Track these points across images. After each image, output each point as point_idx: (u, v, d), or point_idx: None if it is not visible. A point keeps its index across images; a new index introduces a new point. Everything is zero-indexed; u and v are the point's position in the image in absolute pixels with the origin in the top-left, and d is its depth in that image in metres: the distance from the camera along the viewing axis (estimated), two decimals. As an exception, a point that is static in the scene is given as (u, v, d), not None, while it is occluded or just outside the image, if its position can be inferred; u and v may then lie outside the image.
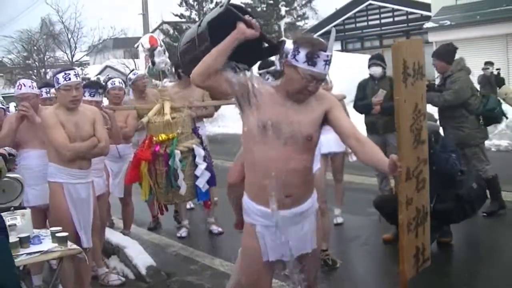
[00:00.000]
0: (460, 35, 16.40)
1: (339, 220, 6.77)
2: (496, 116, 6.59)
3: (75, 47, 36.65)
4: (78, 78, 4.72)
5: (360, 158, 3.09)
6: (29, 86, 5.14)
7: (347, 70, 17.80)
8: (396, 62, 3.15)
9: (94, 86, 5.74)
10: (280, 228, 3.07)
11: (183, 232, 6.89)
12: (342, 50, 24.36)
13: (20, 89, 5.11)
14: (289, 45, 3.27)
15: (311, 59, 2.92)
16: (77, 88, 4.67)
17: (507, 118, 6.94)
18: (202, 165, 5.94)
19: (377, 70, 6.98)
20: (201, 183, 5.93)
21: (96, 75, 26.35)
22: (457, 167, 5.51)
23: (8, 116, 5.51)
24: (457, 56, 6.65)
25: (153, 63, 8.31)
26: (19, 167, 5.10)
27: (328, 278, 5.11)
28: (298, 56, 2.95)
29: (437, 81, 7.10)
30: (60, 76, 4.60)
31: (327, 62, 2.95)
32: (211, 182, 6.04)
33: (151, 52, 8.36)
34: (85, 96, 5.35)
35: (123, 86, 6.78)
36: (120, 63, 34.81)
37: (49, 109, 4.79)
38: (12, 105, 9.20)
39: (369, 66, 7.09)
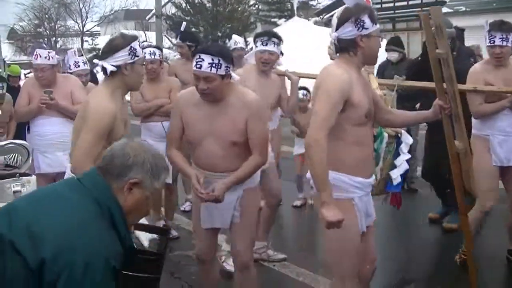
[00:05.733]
0: (475, 21, 16.12)
1: None
2: None
3: (86, 17, 36.72)
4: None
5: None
6: (45, 57, 4.97)
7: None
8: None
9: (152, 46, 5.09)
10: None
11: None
12: (354, 32, 24.09)
13: (36, 59, 4.99)
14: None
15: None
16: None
17: None
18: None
19: (393, 55, 7.02)
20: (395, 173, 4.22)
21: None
22: None
23: (25, 83, 5.48)
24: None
25: None
26: (31, 134, 5.07)
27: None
28: None
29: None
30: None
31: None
32: None
33: None
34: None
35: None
36: (131, 34, 34.62)
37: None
38: (23, 73, 9.22)
39: (386, 51, 7.12)
